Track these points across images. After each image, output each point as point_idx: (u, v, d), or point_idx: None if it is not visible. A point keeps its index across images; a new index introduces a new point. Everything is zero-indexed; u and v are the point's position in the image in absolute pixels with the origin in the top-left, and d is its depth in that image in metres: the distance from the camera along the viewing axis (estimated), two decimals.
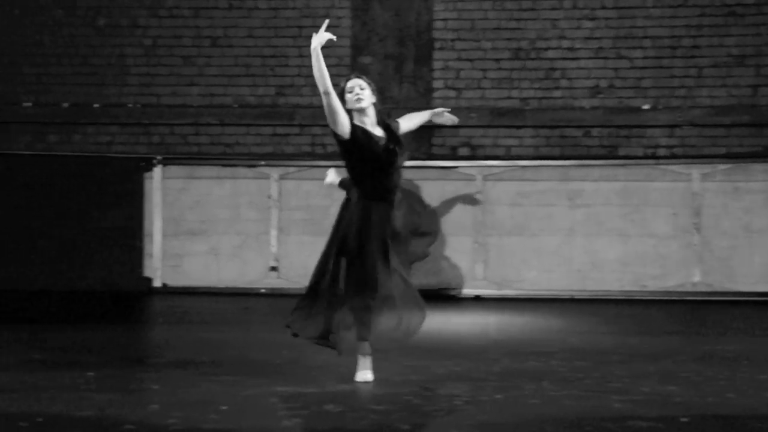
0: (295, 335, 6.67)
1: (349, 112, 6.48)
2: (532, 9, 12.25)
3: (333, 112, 6.34)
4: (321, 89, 6.33)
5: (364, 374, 6.54)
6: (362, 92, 6.51)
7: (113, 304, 11.25)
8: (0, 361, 7.36)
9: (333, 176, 7.45)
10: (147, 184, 12.04)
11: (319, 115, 12.11)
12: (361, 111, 6.52)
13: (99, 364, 7.12)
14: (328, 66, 12.40)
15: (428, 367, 7.16)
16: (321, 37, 6.33)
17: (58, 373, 6.83)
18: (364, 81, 6.59)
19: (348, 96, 6.52)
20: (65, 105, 12.46)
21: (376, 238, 6.50)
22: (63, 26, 12.53)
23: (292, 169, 12.05)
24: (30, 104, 12.45)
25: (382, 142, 6.50)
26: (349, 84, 6.56)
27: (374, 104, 6.59)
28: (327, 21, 6.48)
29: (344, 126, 6.39)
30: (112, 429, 5.28)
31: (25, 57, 12.50)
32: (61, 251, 12.00)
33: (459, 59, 12.31)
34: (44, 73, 12.52)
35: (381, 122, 6.61)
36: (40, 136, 12.46)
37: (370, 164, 6.47)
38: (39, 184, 12.06)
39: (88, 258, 12.00)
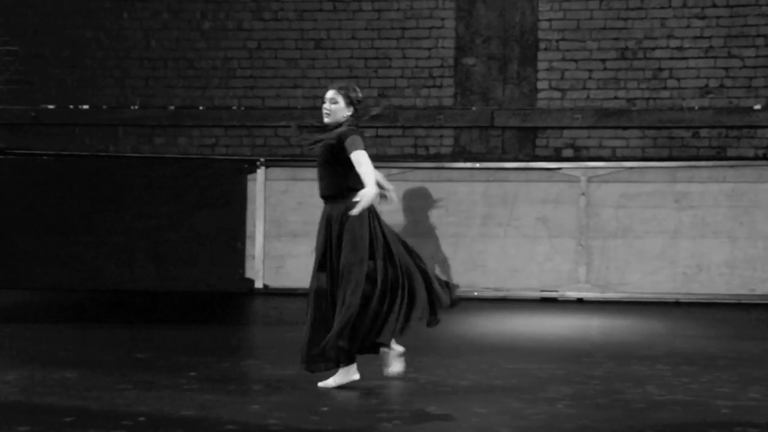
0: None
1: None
2: (640, 8, 12.03)
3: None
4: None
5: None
6: (331, 107, 6.47)
7: (215, 304, 11.35)
8: (104, 359, 7.46)
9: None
10: (250, 185, 12.14)
11: (422, 117, 12.19)
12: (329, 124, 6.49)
13: (200, 365, 7.17)
14: (430, 67, 12.36)
15: (530, 370, 7.06)
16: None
17: (160, 372, 6.89)
18: (338, 93, 6.49)
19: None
20: (171, 108, 12.63)
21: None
22: (169, 30, 12.71)
23: (394, 171, 12.01)
24: (137, 107, 12.66)
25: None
26: (326, 95, 6.53)
27: (351, 115, 6.47)
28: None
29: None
30: (213, 429, 5.29)
31: (133, 60, 12.72)
32: (163, 252, 12.16)
33: (564, 60, 12.16)
34: (151, 76, 12.71)
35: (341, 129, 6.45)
36: (146, 139, 12.66)
37: None
38: (144, 186, 12.24)
39: (190, 259, 12.14)
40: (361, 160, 6.33)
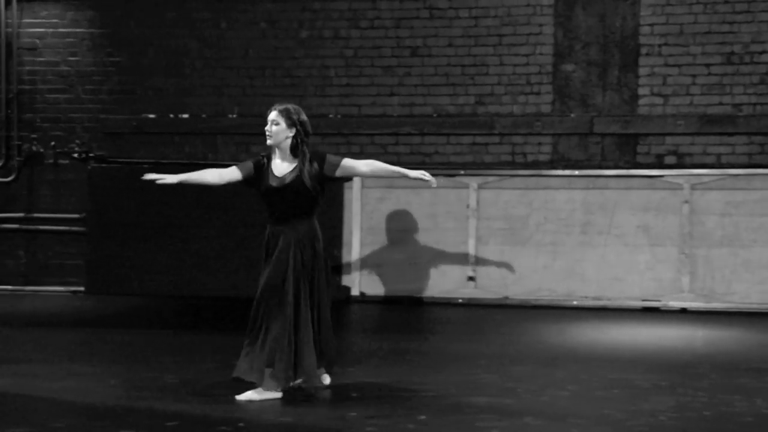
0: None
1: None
2: (747, 11, 11.75)
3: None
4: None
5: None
6: (272, 128, 6.47)
7: None
8: (204, 366, 7.51)
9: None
10: (347, 193, 12.15)
11: (519, 124, 12.08)
12: (272, 146, 6.51)
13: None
14: (528, 74, 12.21)
15: (632, 381, 6.92)
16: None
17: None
18: (279, 115, 6.49)
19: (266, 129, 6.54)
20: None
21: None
22: (267, 39, 12.80)
23: (491, 179, 11.93)
24: (235, 116, 12.76)
25: (273, 181, 6.48)
26: (268, 117, 6.52)
27: (294, 137, 6.48)
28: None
29: (233, 177, 6.56)
30: None
31: (231, 69, 12.83)
32: (259, 261, 12.21)
33: (666, 65, 11.92)
34: (249, 85, 12.81)
35: (302, 155, 6.48)
36: (245, 147, 12.75)
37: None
38: (242, 194, 12.31)
39: None
40: (357, 161, 6.61)
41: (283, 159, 6.54)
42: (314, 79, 12.70)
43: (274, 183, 6.50)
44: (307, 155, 6.52)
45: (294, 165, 6.52)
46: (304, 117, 6.55)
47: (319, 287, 6.60)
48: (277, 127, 6.48)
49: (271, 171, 6.54)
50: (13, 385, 6.61)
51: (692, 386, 6.75)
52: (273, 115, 6.51)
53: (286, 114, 6.49)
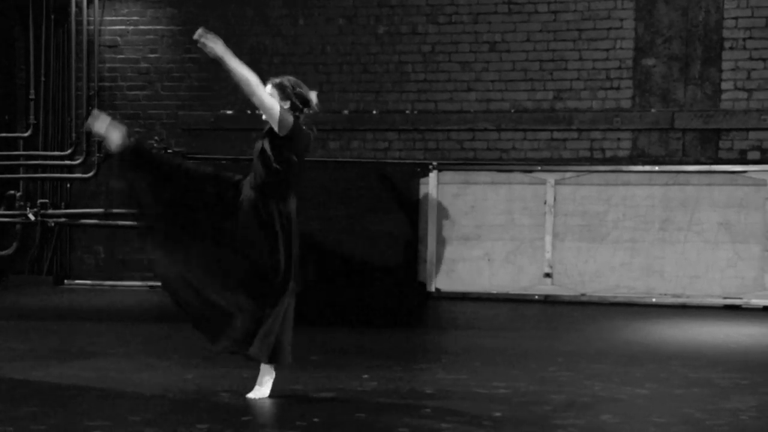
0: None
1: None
2: None
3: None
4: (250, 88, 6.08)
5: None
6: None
7: (387, 308, 11.36)
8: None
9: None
10: (422, 189, 12.13)
11: (598, 119, 11.93)
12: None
13: (374, 367, 7.15)
14: (608, 69, 12.05)
15: (712, 380, 6.79)
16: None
17: (334, 374, 6.90)
18: (273, 88, 6.18)
19: None
20: (345, 112, 12.72)
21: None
22: (344, 35, 12.81)
23: (569, 175, 11.81)
24: (311, 111, 12.78)
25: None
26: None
27: (290, 109, 6.14)
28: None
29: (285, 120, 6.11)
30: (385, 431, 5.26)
31: (308, 66, 12.85)
32: (337, 254, 12.24)
33: (751, 59, 11.70)
34: (326, 81, 12.82)
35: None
36: (321, 143, 12.77)
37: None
38: (318, 190, 12.36)
39: (363, 262, 12.19)
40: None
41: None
42: (391, 74, 12.68)
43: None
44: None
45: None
46: (300, 89, 6.21)
47: None
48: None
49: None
50: (91, 379, 6.69)
51: None
52: (267, 88, 6.18)
53: (280, 86, 6.21)
